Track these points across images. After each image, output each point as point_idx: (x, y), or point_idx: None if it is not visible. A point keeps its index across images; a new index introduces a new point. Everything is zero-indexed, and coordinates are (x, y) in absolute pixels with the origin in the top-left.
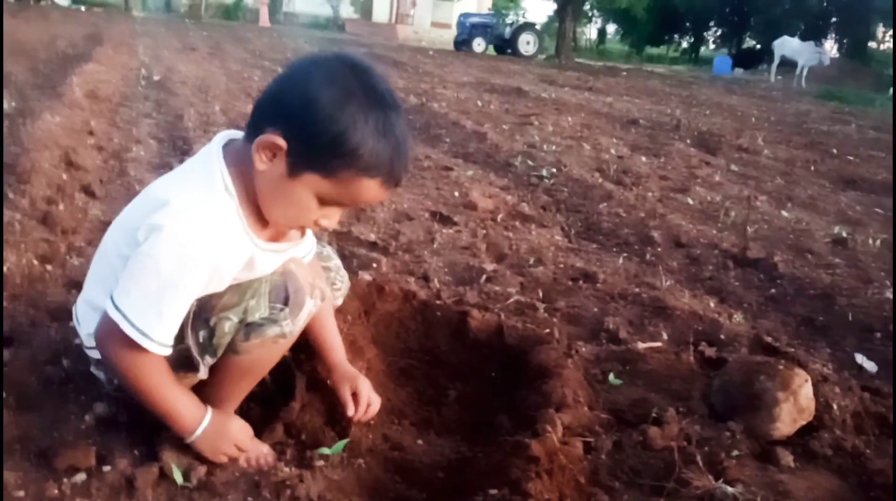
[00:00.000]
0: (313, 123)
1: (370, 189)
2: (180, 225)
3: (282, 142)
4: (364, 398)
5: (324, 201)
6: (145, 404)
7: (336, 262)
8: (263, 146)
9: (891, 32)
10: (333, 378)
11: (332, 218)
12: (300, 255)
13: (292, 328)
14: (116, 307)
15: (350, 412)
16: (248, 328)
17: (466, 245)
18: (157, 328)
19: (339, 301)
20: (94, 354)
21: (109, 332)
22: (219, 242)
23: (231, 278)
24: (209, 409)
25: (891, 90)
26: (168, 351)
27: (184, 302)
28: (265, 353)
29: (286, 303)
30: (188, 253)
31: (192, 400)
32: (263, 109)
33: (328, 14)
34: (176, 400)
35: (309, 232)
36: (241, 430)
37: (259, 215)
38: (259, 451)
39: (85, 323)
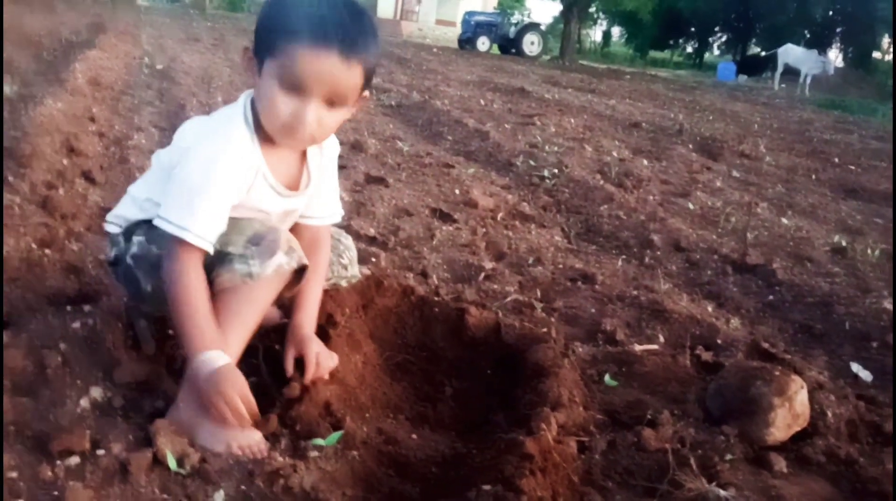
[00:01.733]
0: (259, 22)
1: (303, 54)
2: (203, 144)
3: (250, 46)
4: (311, 362)
5: (282, 84)
6: (175, 310)
7: (349, 243)
8: (243, 60)
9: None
10: (286, 340)
11: (300, 112)
12: (317, 215)
13: (259, 270)
14: (161, 217)
15: (290, 373)
16: (222, 260)
17: (466, 243)
18: (192, 223)
19: (344, 283)
20: (111, 228)
21: (165, 245)
22: (234, 155)
23: (245, 188)
24: (224, 352)
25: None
26: (207, 245)
27: (214, 203)
28: (234, 293)
29: (257, 246)
30: (213, 161)
31: (213, 328)
32: None
33: None
34: (200, 318)
35: (330, 199)
36: (231, 383)
37: (274, 152)
38: (251, 440)
39: (119, 206)
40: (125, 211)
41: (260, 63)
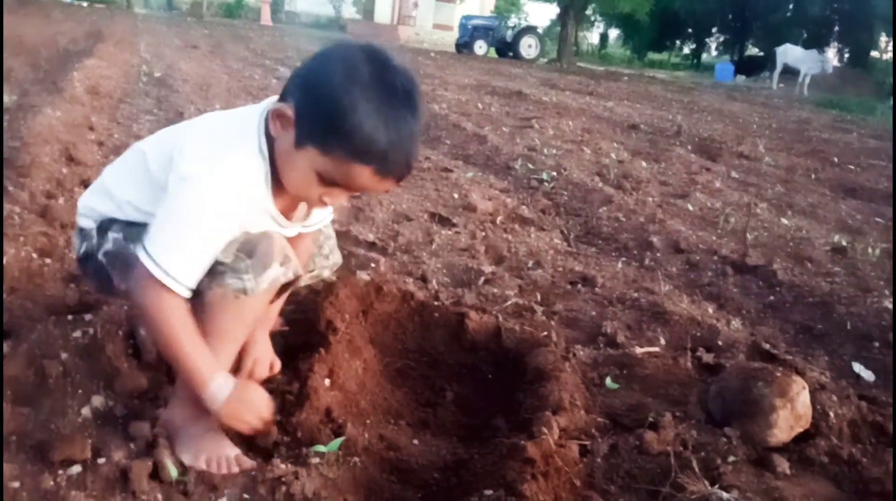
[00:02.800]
0: (317, 99)
1: (362, 175)
2: (208, 178)
3: (290, 112)
4: (245, 370)
5: (323, 179)
6: (167, 353)
7: (328, 231)
8: (276, 115)
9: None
10: None
11: (335, 198)
12: (308, 224)
13: (253, 285)
14: (145, 250)
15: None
16: (212, 271)
17: (465, 247)
18: (178, 267)
19: (326, 273)
20: (84, 222)
21: (140, 277)
22: (242, 199)
23: (246, 226)
24: (230, 377)
25: (892, 99)
26: (184, 292)
27: (206, 247)
28: (224, 310)
29: (251, 257)
30: (212, 204)
31: (207, 357)
32: (289, 82)
33: (330, 14)
34: (196, 353)
35: (322, 211)
36: (263, 400)
37: (280, 181)
38: (224, 453)
39: (87, 197)
40: (100, 205)
41: (299, 138)
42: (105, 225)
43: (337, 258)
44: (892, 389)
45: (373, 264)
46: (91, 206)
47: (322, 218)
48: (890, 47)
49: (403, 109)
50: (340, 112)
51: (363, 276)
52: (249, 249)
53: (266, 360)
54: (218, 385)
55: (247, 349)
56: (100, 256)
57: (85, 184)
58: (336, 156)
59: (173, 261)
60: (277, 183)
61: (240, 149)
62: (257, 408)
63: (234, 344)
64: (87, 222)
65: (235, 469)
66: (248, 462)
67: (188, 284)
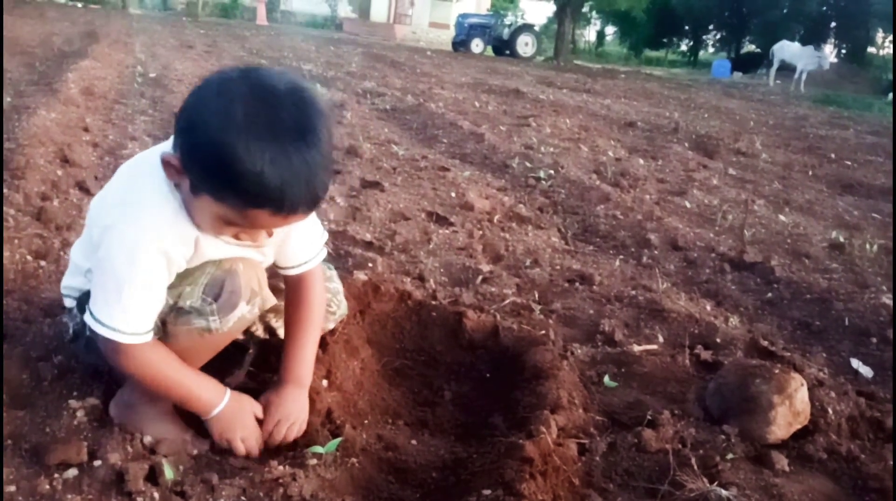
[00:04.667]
0: (197, 147)
1: (262, 218)
2: (127, 223)
3: (176, 161)
4: (265, 432)
5: (227, 222)
6: (169, 398)
7: (336, 285)
8: (165, 165)
9: (890, 38)
10: (268, 392)
11: (251, 236)
12: (297, 262)
13: (219, 326)
14: (93, 316)
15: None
16: (178, 312)
17: (463, 246)
18: (124, 323)
19: (331, 325)
20: (67, 302)
21: (102, 343)
22: (164, 233)
23: (184, 260)
24: (228, 391)
25: (889, 95)
26: (147, 338)
27: (146, 292)
28: (192, 343)
29: (217, 300)
30: (136, 247)
31: (205, 386)
32: (175, 122)
33: (326, 13)
34: (195, 385)
35: (315, 240)
36: (237, 427)
37: None
38: (181, 436)
39: (67, 274)
40: (73, 280)
41: (193, 186)
42: (82, 300)
43: (343, 310)
44: (892, 385)
45: (370, 264)
46: (68, 284)
47: (308, 253)
48: (888, 43)
49: (291, 139)
50: (221, 161)
51: (360, 276)
52: (215, 291)
53: (291, 420)
54: (219, 407)
55: (267, 413)
56: (87, 331)
57: (80, 185)
58: (230, 203)
59: (121, 319)
60: None
61: (148, 188)
62: (244, 430)
63: (196, 364)
64: (69, 302)
65: (193, 451)
66: (203, 445)
67: (141, 330)
